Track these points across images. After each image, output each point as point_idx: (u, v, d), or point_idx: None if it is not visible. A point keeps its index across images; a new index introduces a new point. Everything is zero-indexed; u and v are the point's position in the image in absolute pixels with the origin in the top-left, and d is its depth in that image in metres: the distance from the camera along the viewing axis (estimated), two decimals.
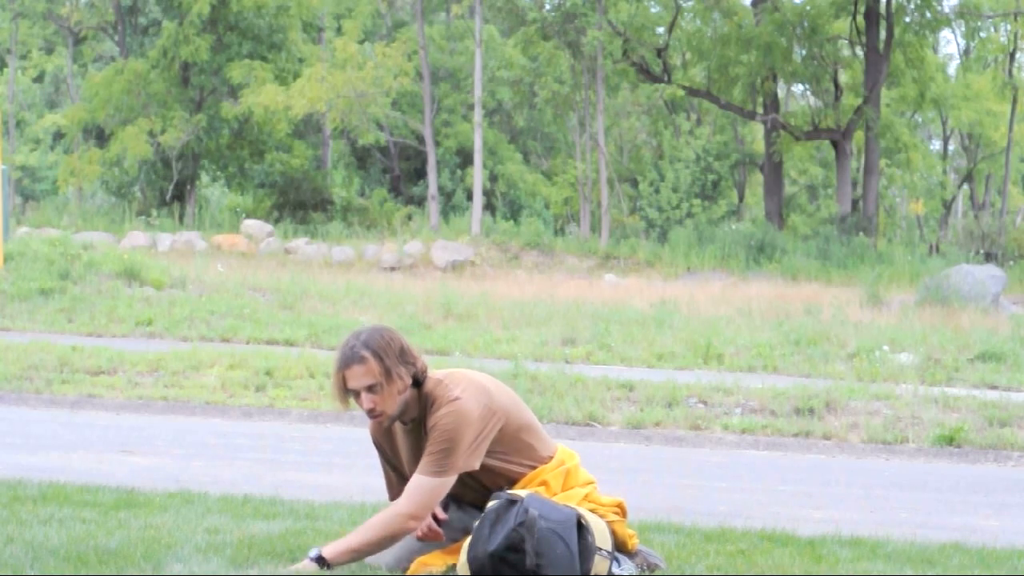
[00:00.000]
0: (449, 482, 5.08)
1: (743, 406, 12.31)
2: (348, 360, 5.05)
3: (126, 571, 4.90)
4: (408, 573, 5.09)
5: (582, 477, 5.34)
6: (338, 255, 30.78)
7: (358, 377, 5.05)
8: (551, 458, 5.28)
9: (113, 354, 13.58)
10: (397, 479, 5.33)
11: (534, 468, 5.24)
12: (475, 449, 5.07)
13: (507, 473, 5.22)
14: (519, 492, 4.99)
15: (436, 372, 5.22)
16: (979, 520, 8.02)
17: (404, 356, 5.08)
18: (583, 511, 5.03)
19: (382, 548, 5.10)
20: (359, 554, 5.07)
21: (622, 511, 5.31)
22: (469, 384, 5.15)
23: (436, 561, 5.11)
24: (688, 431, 11.67)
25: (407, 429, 5.22)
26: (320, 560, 4.99)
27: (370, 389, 5.05)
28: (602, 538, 5.02)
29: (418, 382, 5.13)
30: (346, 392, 5.11)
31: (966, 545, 6.45)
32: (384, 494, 5.48)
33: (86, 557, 5.04)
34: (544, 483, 5.21)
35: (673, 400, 12.29)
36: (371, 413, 5.10)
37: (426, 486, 5.05)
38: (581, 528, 4.94)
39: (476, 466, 5.10)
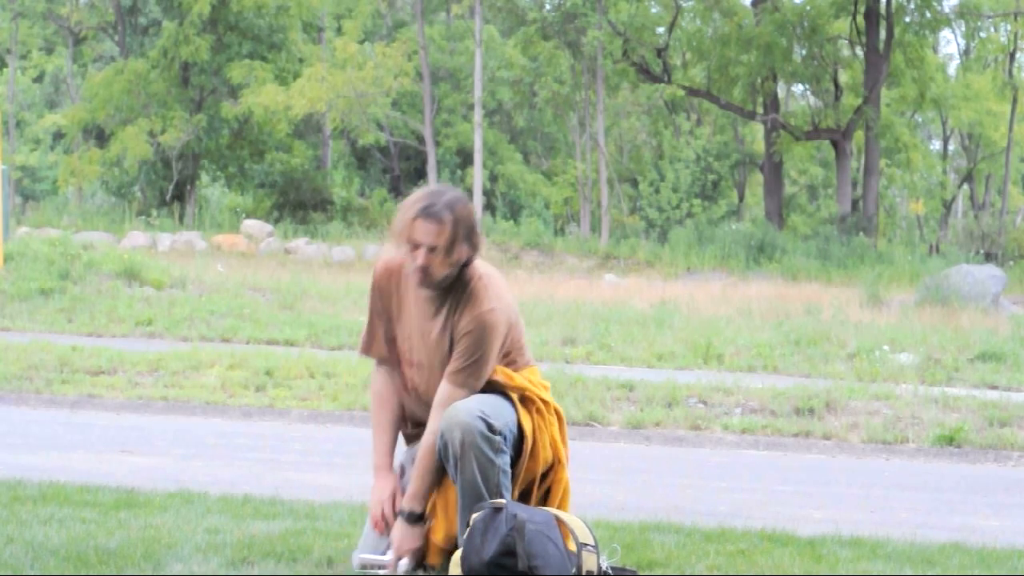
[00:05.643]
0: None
1: (743, 406, 12.30)
2: (428, 214, 4.96)
3: (126, 571, 4.91)
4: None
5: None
6: (338, 255, 30.78)
7: (428, 234, 4.96)
8: (529, 360, 5.24)
9: (113, 354, 13.56)
10: (383, 334, 5.25)
11: (516, 369, 5.18)
12: (496, 359, 5.07)
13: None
14: (499, 500, 4.97)
15: (480, 264, 5.14)
16: (979, 520, 8.02)
17: (472, 234, 5.02)
18: (557, 511, 5.03)
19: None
20: (430, 492, 5.08)
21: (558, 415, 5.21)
22: (502, 294, 5.10)
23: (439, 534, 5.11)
24: (688, 431, 11.66)
25: (423, 290, 5.14)
26: (413, 517, 5.02)
27: (432, 250, 4.97)
28: (583, 533, 5.02)
29: (468, 262, 5.08)
30: (406, 240, 5.02)
31: (966, 545, 6.44)
32: None
33: (86, 557, 5.04)
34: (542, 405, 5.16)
35: (673, 400, 12.27)
36: (421, 270, 5.00)
37: (457, 398, 5.01)
38: (561, 526, 4.96)
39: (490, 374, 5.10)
